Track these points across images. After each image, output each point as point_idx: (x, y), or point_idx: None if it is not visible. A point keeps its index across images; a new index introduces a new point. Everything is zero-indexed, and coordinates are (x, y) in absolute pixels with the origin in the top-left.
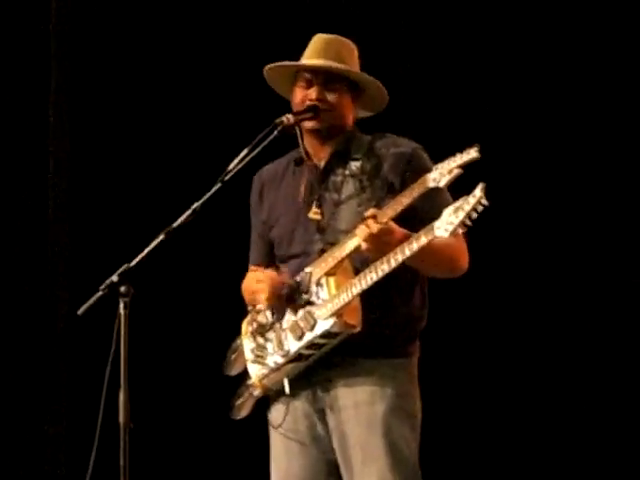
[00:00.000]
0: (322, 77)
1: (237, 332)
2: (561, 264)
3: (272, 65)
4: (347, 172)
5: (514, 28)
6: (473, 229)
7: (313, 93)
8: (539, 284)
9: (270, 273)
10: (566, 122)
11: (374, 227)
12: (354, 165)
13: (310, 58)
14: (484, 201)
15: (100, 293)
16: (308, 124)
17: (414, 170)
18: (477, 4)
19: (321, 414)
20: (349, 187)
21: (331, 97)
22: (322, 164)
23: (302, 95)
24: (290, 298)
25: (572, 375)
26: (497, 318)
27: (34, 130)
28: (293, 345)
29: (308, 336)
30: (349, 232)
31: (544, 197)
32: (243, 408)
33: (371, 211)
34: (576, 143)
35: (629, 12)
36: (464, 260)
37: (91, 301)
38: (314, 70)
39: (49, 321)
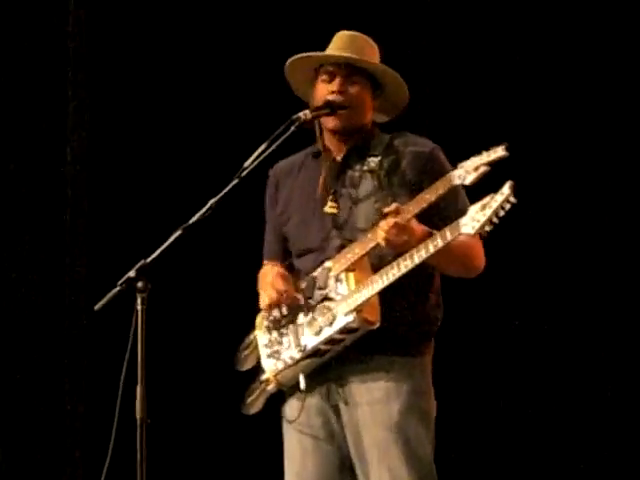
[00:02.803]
0: (345, 70)
1: (254, 327)
2: (579, 266)
3: (297, 56)
4: (365, 168)
5: (537, 29)
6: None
7: (335, 85)
8: (555, 286)
9: (287, 286)
10: (590, 125)
11: (394, 223)
12: (372, 161)
13: (334, 52)
14: (512, 199)
15: (117, 288)
16: (328, 123)
17: (432, 170)
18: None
19: (336, 410)
20: (367, 183)
21: (353, 90)
22: (339, 159)
23: (324, 89)
24: (307, 293)
25: (588, 376)
26: (511, 320)
27: (52, 123)
28: (311, 340)
29: (327, 332)
30: (366, 228)
31: (563, 199)
32: (256, 404)
33: (394, 206)
34: (602, 146)
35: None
36: (481, 260)
37: (108, 296)
38: (338, 63)
39: (67, 316)
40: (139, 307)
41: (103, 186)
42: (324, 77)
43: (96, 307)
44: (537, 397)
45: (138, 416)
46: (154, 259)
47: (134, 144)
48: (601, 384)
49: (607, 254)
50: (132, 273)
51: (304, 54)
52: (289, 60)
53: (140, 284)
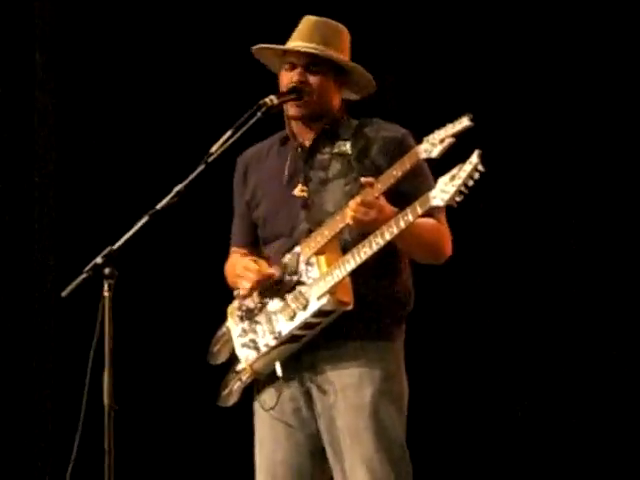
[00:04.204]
0: (305, 60)
1: (222, 314)
2: (548, 250)
3: (256, 47)
4: (334, 151)
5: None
6: (460, 213)
7: (295, 76)
8: (525, 270)
9: (260, 266)
10: (557, 92)
11: (362, 200)
12: (342, 145)
13: (296, 41)
14: (480, 167)
15: (84, 275)
16: (289, 111)
17: (402, 155)
18: None
19: (307, 397)
20: (336, 166)
21: (313, 80)
22: (308, 143)
23: (287, 78)
24: (278, 280)
25: (557, 363)
26: (483, 305)
27: (19, 108)
28: (285, 326)
29: (301, 316)
30: (335, 211)
31: (532, 183)
32: (232, 395)
33: (370, 179)
34: (573, 115)
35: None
36: (448, 246)
37: (75, 283)
38: (297, 53)
39: (34, 303)
40: (106, 293)
41: (70, 173)
42: (286, 66)
43: (63, 293)
44: (512, 382)
45: (105, 403)
46: (121, 245)
47: (101, 130)
48: (576, 366)
49: (579, 231)
50: (99, 259)
51: (261, 46)
52: (253, 49)
53: (107, 270)
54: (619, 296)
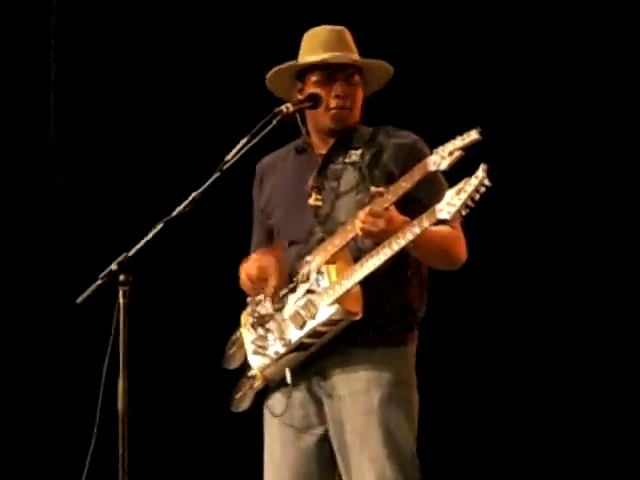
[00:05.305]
0: (346, 72)
1: (236, 321)
2: (561, 255)
3: (309, 61)
4: (347, 160)
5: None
6: (473, 218)
7: (339, 89)
8: (538, 275)
9: (271, 258)
10: (563, 105)
11: (370, 210)
12: (354, 154)
13: (321, 50)
14: (487, 182)
15: (99, 282)
16: (326, 123)
17: (414, 161)
18: None
19: (318, 403)
20: (349, 175)
21: (355, 93)
22: (323, 152)
23: (322, 91)
24: (290, 288)
25: (568, 368)
26: (496, 310)
27: (35, 117)
28: (295, 334)
29: (310, 324)
30: (347, 221)
31: (544, 186)
32: (244, 401)
33: (380, 189)
34: (578, 133)
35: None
36: (463, 252)
37: (90, 290)
38: (339, 65)
39: (48, 309)
40: (121, 300)
41: (85, 180)
42: (317, 78)
43: (78, 300)
44: (526, 390)
45: (119, 409)
46: (136, 252)
47: (117, 137)
48: (591, 375)
49: (590, 240)
50: (114, 266)
51: (313, 60)
52: (282, 67)
53: (122, 277)
54: (634, 308)
